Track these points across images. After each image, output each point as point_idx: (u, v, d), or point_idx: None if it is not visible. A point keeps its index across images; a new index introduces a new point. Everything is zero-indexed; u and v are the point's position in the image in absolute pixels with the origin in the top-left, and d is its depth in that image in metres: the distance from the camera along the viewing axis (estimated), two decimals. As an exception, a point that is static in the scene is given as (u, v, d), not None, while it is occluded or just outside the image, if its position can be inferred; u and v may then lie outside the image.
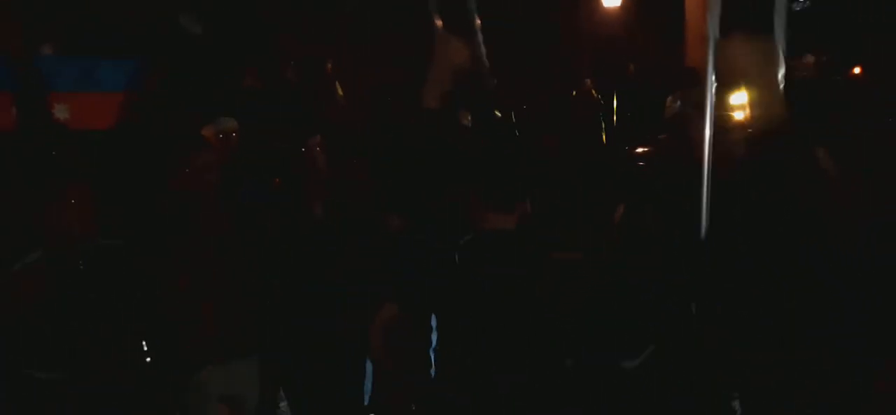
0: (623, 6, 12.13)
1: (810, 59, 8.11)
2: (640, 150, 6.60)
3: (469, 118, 5.79)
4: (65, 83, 5.01)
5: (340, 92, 6.60)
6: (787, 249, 2.75)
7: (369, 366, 3.88)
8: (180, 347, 3.37)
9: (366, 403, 3.93)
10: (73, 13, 5.95)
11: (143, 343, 3.29)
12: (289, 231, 3.89)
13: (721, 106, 3.20)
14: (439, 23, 2.98)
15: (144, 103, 4.46)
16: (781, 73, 2.81)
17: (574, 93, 11.14)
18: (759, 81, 2.85)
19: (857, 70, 8.20)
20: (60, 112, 4.88)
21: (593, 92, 11.14)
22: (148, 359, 3.28)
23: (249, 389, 3.59)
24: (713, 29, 2.89)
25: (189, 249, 3.41)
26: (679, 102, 4.24)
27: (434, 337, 2.87)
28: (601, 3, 12.13)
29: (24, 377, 3.08)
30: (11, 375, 3.10)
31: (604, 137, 11.00)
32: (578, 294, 2.90)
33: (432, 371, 2.88)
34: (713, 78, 2.90)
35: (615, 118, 11.89)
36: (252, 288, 3.52)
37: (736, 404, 2.86)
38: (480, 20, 3.24)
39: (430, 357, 2.88)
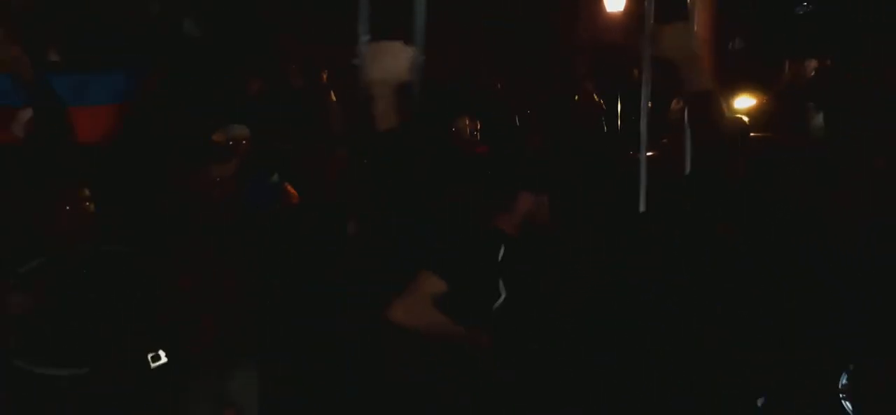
0: (626, 9, 12.09)
1: (812, 63, 8.09)
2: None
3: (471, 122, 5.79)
4: (65, 99, 4.96)
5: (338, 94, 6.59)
6: (787, 249, 2.75)
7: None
8: (180, 347, 3.37)
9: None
10: (73, 15, 5.95)
11: (143, 343, 3.29)
12: (289, 231, 3.89)
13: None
14: None
15: (144, 105, 4.46)
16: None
17: (575, 96, 11.11)
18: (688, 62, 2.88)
19: (856, 71, 8.17)
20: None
21: (595, 95, 11.10)
22: (148, 359, 3.28)
23: (249, 389, 3.58)
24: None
25: (189, 249, 3.41)
26: (682, 105, 4.24)
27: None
28: (603, 6, 12.09)
29: (24, 377, 3.09)
30: (12, 374, 3.11)
31: (605, 139, 10.96)
32: (578, 294, 2.90)
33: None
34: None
35: (618, 121, 11.85)
36: (252, 288, 3.52)
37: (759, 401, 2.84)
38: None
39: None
